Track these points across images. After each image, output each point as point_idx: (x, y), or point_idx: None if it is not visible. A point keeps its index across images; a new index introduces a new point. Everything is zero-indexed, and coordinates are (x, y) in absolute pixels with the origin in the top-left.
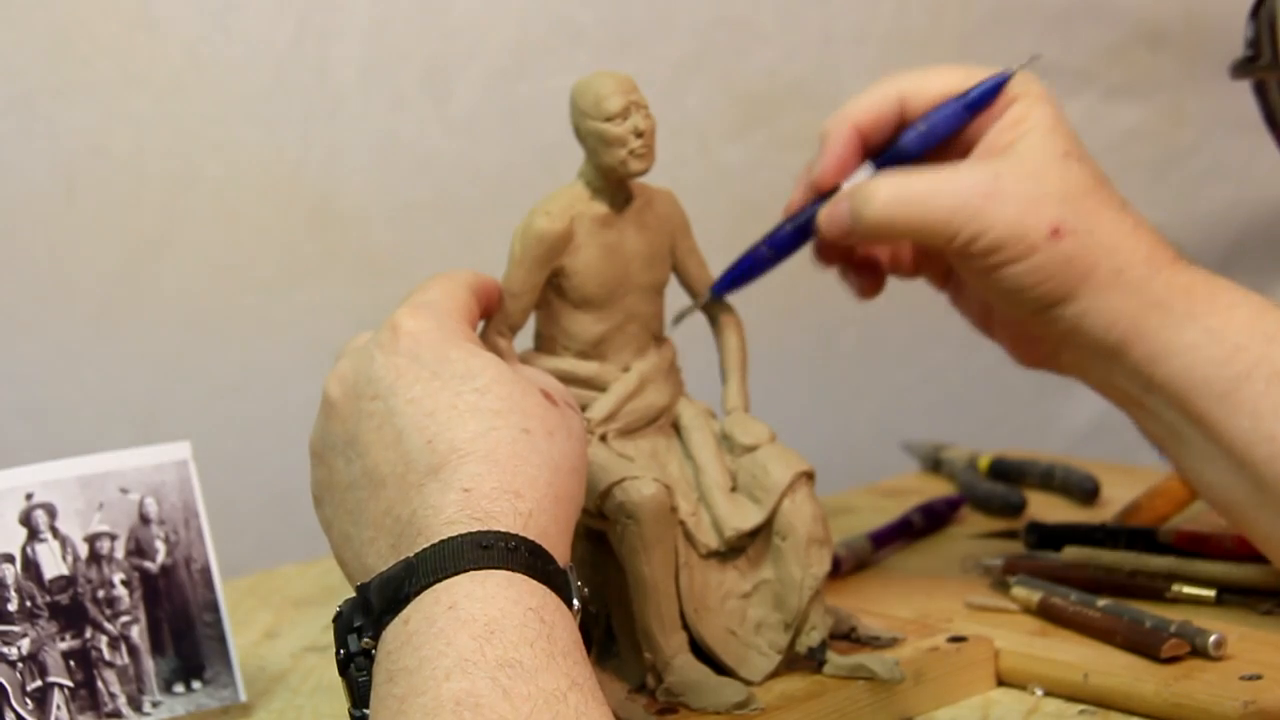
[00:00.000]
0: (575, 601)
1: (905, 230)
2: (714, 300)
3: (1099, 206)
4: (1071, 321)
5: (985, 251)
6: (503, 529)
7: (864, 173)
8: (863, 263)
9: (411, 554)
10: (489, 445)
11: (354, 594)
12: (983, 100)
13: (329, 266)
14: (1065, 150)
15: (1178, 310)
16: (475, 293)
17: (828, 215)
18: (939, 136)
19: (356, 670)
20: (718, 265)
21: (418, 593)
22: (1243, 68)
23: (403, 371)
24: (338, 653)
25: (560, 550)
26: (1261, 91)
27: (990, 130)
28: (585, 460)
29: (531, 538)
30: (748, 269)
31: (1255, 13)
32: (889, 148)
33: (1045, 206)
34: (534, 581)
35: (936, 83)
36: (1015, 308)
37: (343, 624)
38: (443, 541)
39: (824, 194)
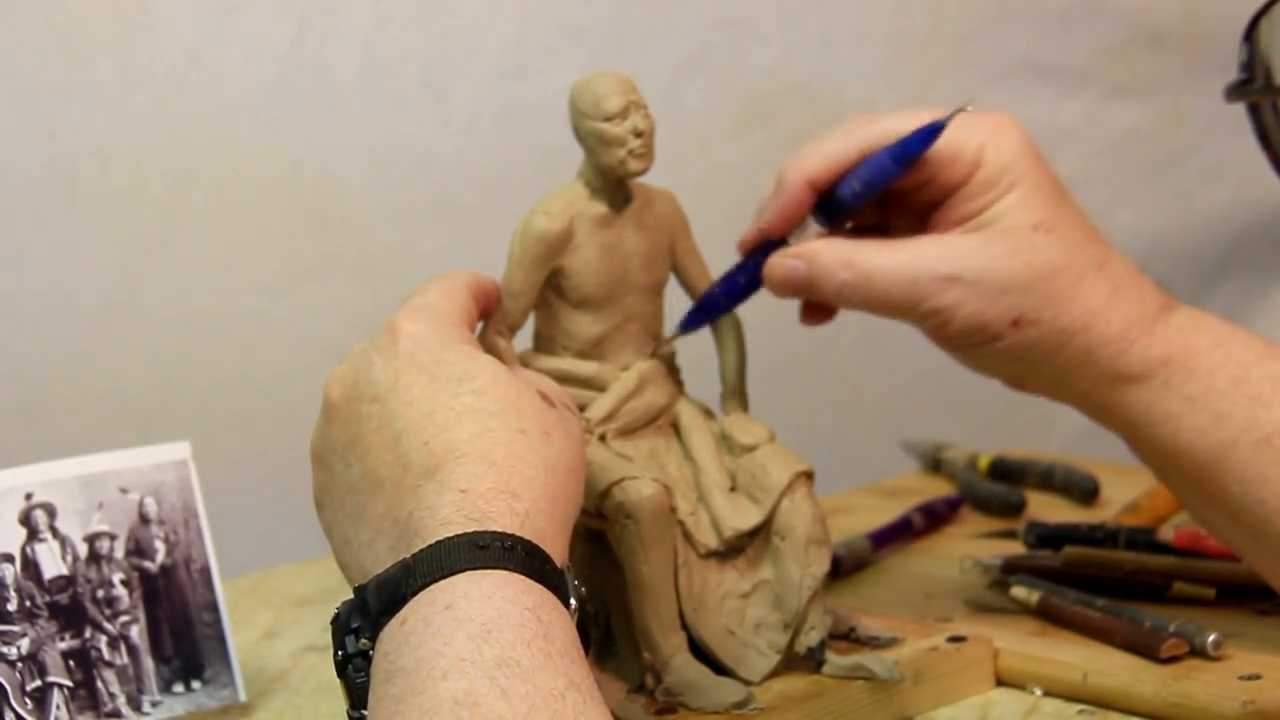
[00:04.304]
0: (572, 601)
1: (863, 306)
2: (678, 336)
3: (1071, 284)
4: (1048, 380)
5: (946, 336)
6: (499, 529)
7: (810, 226)
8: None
9: (408, 555)
10: (485, 446)
11: (352, 595)
12: (909, 152)
13: (329, 266)
14: (1036, 223)
15: (1155, 381)
16: (473, 294)
17: (782, 274)
18: (874, 189)
19: (354, 671)
20: (717, 265)
21: (415, 593)
22: (1237, 91)
23: (400, 374)
24: (335, 654)
25: (557, 550)
26: (1256, 114)
27: (959, 194)
28: (583, 461)
29: (528, 538)
30: (705, 311)
31: (1249, 36)
32: (829, 195)
33: (1008, 296)
34: (530, 581)
35: (897, 133)
36: (986, 375)
37: (340, 625)
38: (439, 542)
39: (772, 242)
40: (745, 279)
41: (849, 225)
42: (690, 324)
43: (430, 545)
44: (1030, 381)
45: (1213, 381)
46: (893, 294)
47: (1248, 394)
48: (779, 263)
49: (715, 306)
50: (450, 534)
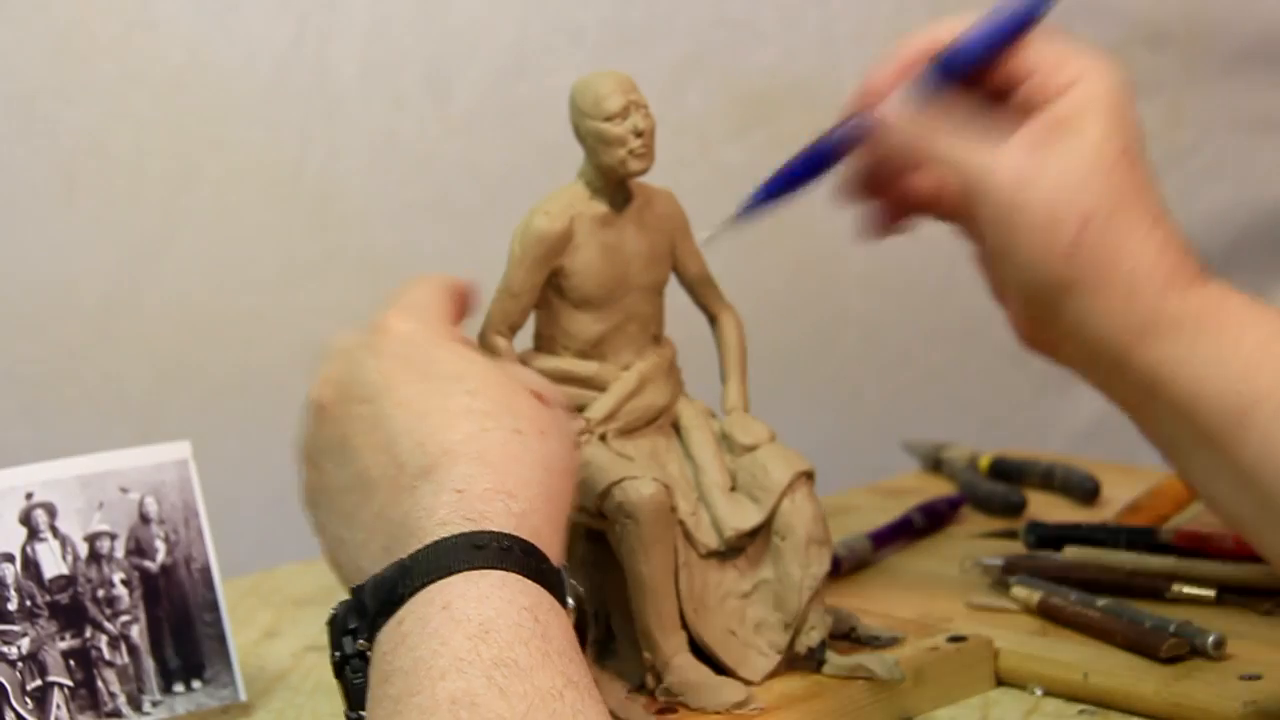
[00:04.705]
0: (569, 600)
1: (924, 161)
2: (743, 217)
3: (1132, 223)
4: (1076, 317)
5: (1018, 230)
6: (496, 529)
7: (916, 85)
8: (892, 196)
9: (405, 555)
10: (481, 446)
11: (348, 596)
12: (1032, 13)
13: (329, 266)
14: (1117, 155)
15: (1187, 330)
16: (453, 296)
17: (881, 115)
18: (995, 45)
19: (352, 672)
20: (717, 265)
21: (412, 593)
22: None
23: (392, 374)
24: (333, 655)
25: (553, 550)
26: None
27: (1052, 104)
28: (576, 460)
29: (525, 538)
30: (775, 188)
31: None
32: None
33: (1073, 214)
34: (528, 581)
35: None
36: (1023, 284)
37: (337, 626)
38: (436, 542)
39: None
40: (833, 147)
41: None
42: (757, 203)
43: (427, 545)
44: (1057, 324)
45: (1244, 338)
46: (965, 171)
47: (1276, 355)
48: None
49: (788, 181)
50: (447, 534)
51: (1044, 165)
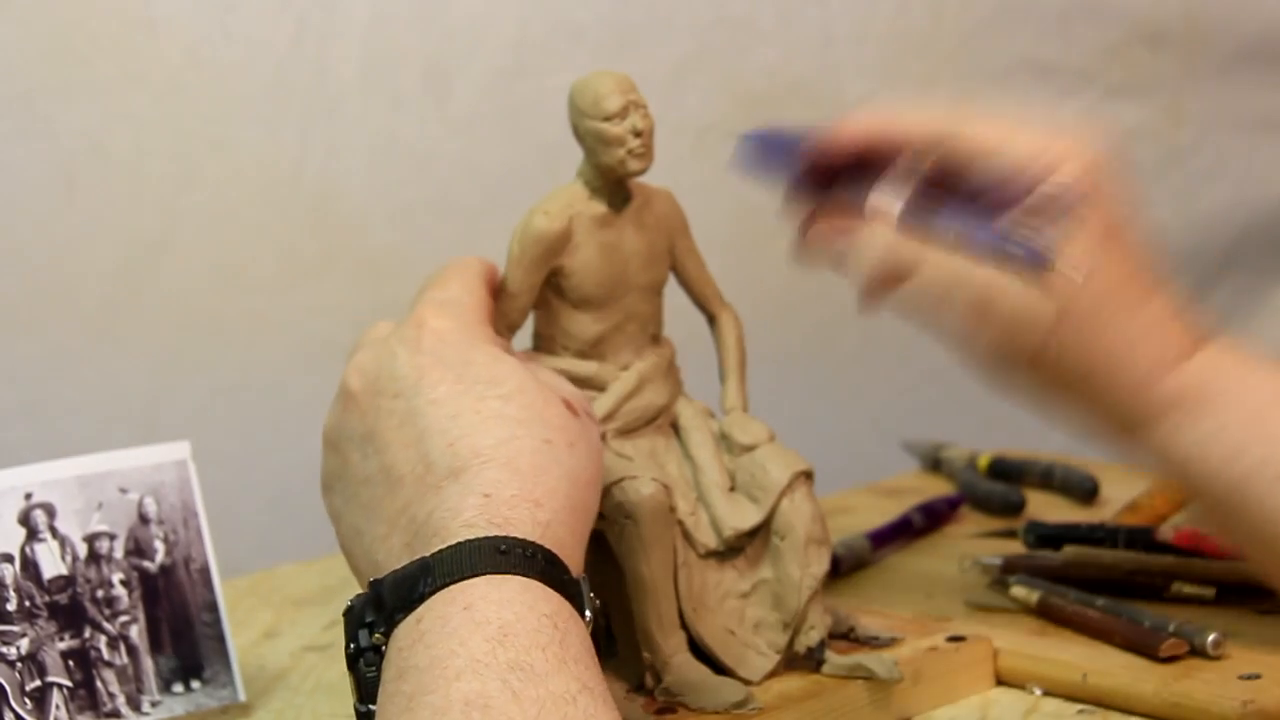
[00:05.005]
0: (587, 612)
1: (887, 301)
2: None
3: (1101, 328)
4: (1064, 419)
5: (969, 354)
6: (520, 536)
7: (892, 200)
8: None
9: (428, 554)
10: (511, 453)
11: (360, 588)
12: (1013, 256)
13: (329, 266)
14: (1094, 244)
15: (1171, 419)
16: (488, 284)
17: (830, 234)
18: (962, 245)
19: (365, 665)
20: (717, 265)
21: (433, 592)
22: None
23: (426, 371)
24: (348, 647)
25: (574, 561)
26: None
27: (1022, 206)
28: (601, 472)
29: (548, 547)
30: (777, 149)
31: None
32: (925, 207)
33: (1034, 334)
34: (549, 589)
35: (971, 141)
36: (991, 375)
37: (354, 618)
38: (460, 543)
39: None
40: (786, 157)
41: (912, 186)
42: (756, 138)
43: (451, 546)
44: (1049, 409)
45: (1229, 418)
46: (921, 301)
47: (1265, 433)
48: (827, 223)
49: (781, 149)
50: (472, 536)
51: (999, 291)
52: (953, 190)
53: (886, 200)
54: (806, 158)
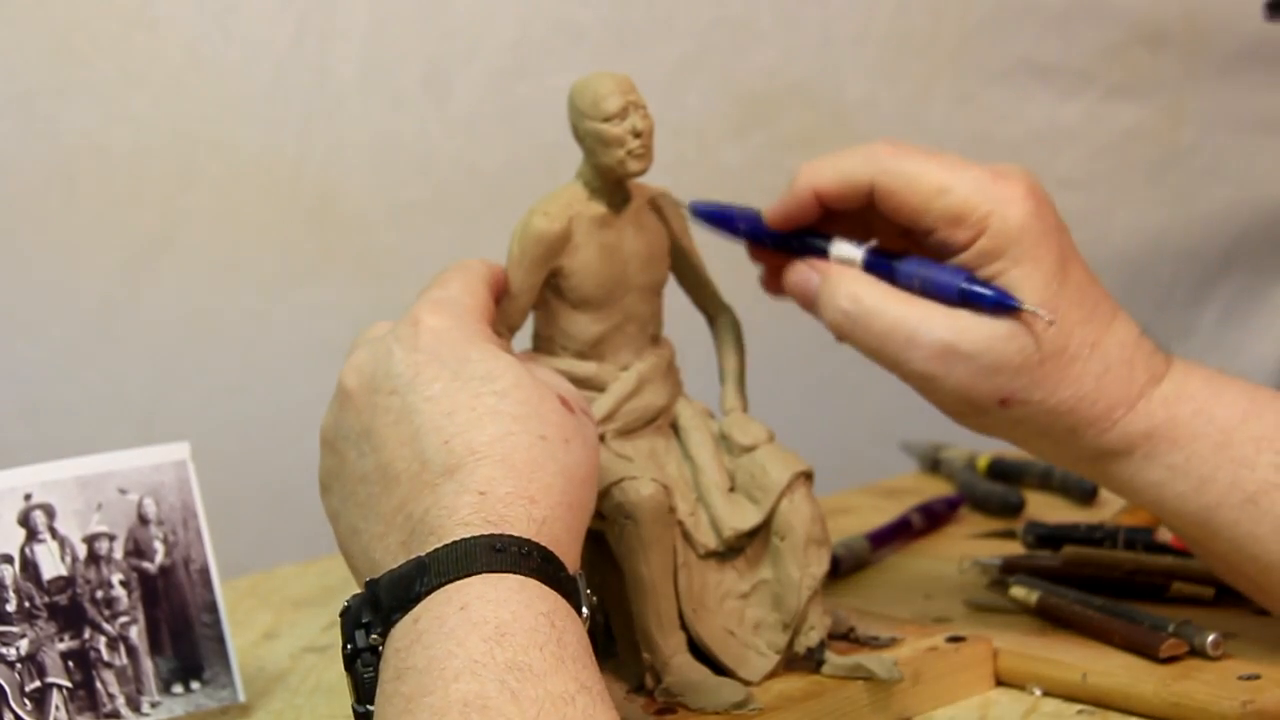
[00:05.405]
0: (584, 609)
1: (858, 345)
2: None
3: (1062, 369)
4: (1035, 455)
5: (934, 400)
6: (516, 534)
7: (854, 249)
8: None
9: (423, 553)
10: (506, 450)
11: (358, 589)
12: (978, 302)
13: (329, 266)
14: (1035, 305)
15: (1138, 454)
16: (490, 287)
17: (799, 279)
18: (928, 287)
19: (363, 666)
20: (716, 266)
21: (429, 592)
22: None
23: (422, 368)
24: (345, 647)
25: (570, 558)
26: None
27: (961, 256)
28: (597, 469)
29: (544, 544)
30: (716, 217)
31: None
32: (888, 255)
33: (998, 377)
34: (545, 587)
35: (914, 184)
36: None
37: (350, 619)
38: (456, 542)
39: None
40: (745, 227)
41: (874, 242)
42: (703, 210)
43: (447, 545)
44: (1018, 445)
45: (1195, 449)
46: (886, 345)
47: (1230, 458)
48: (797, 267)
49: (725, 220)
50: (467, 535)
51: (963, 334)
52: (909, 235)
53: (848, 249)
54: (750, 237)
